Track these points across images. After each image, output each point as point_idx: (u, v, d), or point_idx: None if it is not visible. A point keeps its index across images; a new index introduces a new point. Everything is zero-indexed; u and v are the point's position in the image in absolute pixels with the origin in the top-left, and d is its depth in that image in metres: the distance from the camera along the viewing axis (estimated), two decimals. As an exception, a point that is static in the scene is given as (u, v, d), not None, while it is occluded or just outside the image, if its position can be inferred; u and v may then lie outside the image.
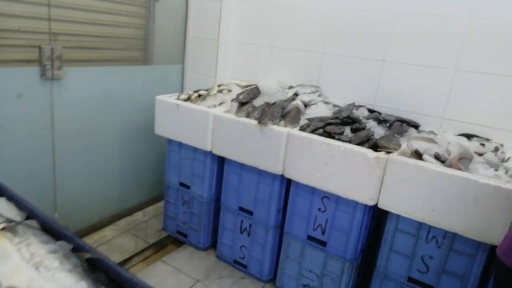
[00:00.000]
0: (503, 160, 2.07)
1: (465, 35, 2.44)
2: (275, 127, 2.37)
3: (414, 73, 2.67)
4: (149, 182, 3.66)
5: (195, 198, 2.90)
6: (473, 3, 2.39)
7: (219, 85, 3.23)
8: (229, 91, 2.96)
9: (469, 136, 2.45)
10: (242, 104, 2.65)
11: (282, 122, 2.43)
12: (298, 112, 2.50)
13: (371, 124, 2.32)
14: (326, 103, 2.80)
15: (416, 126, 2.57)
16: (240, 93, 2.70)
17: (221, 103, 2.85)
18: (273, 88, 2.79)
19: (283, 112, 2.50)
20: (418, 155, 1.98)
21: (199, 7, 3.52)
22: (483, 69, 2.41)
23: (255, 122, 2.42)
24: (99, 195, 3.18)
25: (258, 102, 2.63)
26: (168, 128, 2.93)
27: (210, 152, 2.74)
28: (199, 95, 3.01)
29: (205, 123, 2.68)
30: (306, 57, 3.14)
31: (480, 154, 2.16)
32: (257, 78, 3.41)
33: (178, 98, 2.97)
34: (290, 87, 2.93)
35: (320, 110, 2.66)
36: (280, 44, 3.28)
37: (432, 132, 2.51)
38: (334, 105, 2.82)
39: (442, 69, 2.56)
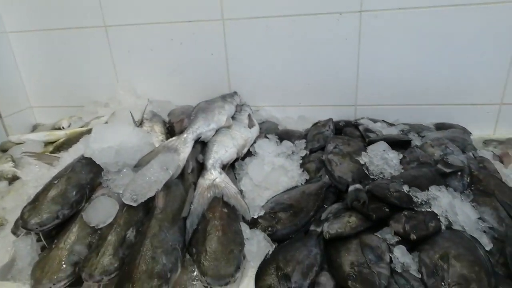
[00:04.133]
0: None
1: None
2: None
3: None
4: None
5: None
6: None
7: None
8: None
9: None
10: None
11: None
12: (222, 227, 0.82)
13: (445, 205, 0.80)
14: (269, 135, 1.19)
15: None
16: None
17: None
18: (133, 142, 1.02)
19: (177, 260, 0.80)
20: None
21: None
22: None
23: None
24: None
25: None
26: None
27: None
28: None
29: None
30: (193, 33, 1.41)
31: None
32: (98, 96, 1.57)
33: None
34: (176, 123, 1.19)
35: (270, 169, 1.03)
36: (128, 19, 1.45)
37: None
38: (291, 135, 1.22)
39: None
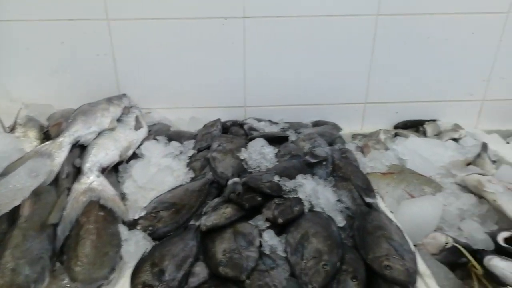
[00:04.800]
0: None
1: None
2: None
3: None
4: None
5: None
6: None
7: None
8: None
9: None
10: None
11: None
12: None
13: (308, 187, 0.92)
14: (158, 137, 1.19)
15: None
16: None
17: None
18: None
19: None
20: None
21: None
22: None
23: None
24: None
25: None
26: None
27: None
28: None
29: None
30: (75, 33, 1.34)
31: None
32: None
33: None
34: (52, 126, 1.12)
35: (156, 170, 1.04)
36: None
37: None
38: (182, 136, 1.24)
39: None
